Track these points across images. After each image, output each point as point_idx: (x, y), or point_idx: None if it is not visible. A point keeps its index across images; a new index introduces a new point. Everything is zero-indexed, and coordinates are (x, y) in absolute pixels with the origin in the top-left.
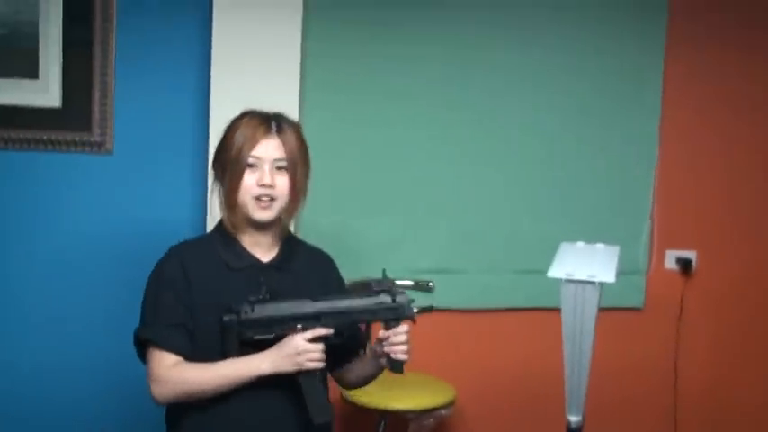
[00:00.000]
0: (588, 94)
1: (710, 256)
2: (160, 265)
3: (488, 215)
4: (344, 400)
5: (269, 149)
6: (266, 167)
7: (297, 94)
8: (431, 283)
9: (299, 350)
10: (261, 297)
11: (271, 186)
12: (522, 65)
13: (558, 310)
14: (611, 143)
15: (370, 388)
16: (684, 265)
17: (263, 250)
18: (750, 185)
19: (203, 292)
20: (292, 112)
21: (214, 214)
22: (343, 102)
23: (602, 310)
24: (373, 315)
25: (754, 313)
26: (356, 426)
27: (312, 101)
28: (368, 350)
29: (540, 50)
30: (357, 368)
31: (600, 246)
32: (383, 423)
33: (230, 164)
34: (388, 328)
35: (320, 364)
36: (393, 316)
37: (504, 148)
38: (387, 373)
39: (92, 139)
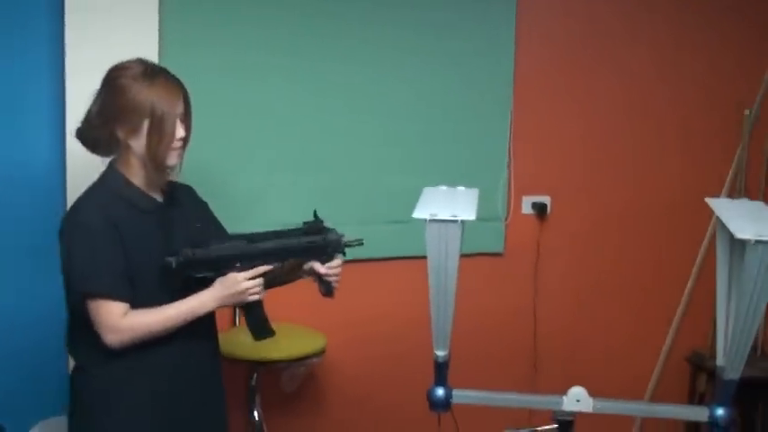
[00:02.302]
0: (446, 50)
1: (563, 200)
2: (82, 219)
3: (354, 168)
4: None
5: (180, 105)
6: (178, 121)
7: (156, 44)
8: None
9: (241, 288)
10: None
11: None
12: (385, 21)
13: (423, 257)
14: (468, 98)
15: (241, 338)
16: (540, 209)
17: (157, 191)
18: (599, 132)
19: (129, 237)
20: None
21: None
22: (204, 54)
23: (464, 256)
24: (307, 254)
25: (603, 253)
26: (228, 379)
27: (172, 53)
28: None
29: (402, 7)
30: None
31: (461, 189)
32: (255, 374)
33: (160, 124)
34: (323, 262)
35: (260, 296)
36: (325, 254)
37: (368, 101)
38: None
39: None
